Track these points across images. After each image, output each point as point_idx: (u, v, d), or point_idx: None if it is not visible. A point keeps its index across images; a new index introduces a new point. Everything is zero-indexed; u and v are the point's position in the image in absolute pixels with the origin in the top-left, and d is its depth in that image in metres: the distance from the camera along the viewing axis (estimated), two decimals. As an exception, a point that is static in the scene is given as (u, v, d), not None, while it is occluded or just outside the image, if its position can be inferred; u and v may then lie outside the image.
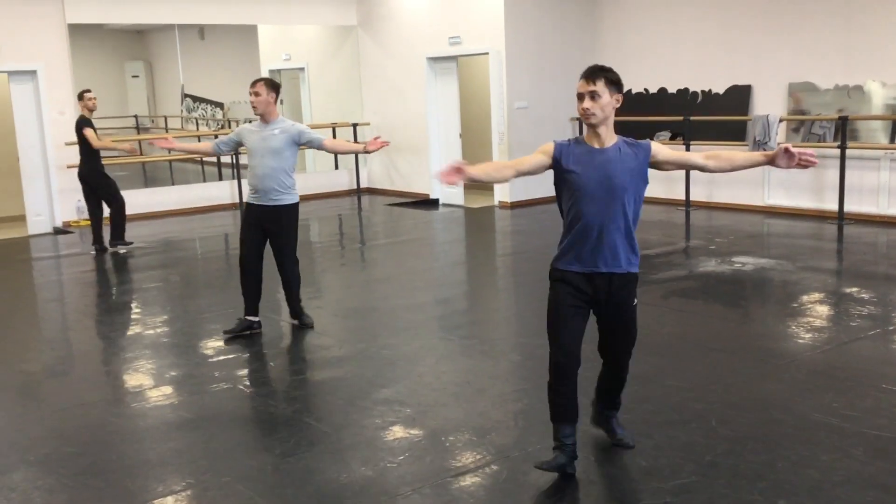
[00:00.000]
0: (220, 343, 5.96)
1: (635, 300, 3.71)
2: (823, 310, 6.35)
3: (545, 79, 11.58)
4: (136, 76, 17.55)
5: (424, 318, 6.48)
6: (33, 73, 10.83)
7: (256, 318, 6.07)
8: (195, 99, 16.36)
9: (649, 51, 11.41)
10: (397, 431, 4.24)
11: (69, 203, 11.11)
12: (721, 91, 10.67)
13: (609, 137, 3.51)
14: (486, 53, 11.41)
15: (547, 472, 3.60)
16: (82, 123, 9.05)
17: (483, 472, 3.76)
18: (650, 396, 4.58)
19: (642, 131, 11.35)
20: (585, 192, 3.48)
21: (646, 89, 11.49)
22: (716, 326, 6.02)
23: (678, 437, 4.00)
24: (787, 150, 3.36)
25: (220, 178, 13.33)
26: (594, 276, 3.58)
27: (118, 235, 9.15)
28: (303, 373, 5.28)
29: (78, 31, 11.31)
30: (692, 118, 10.62)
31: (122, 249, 9.18)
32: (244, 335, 5.97)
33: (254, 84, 5.75)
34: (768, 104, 10.19)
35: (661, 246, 8.74)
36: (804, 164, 3.37)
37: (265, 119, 5.82)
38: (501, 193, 11.71)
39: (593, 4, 11.98)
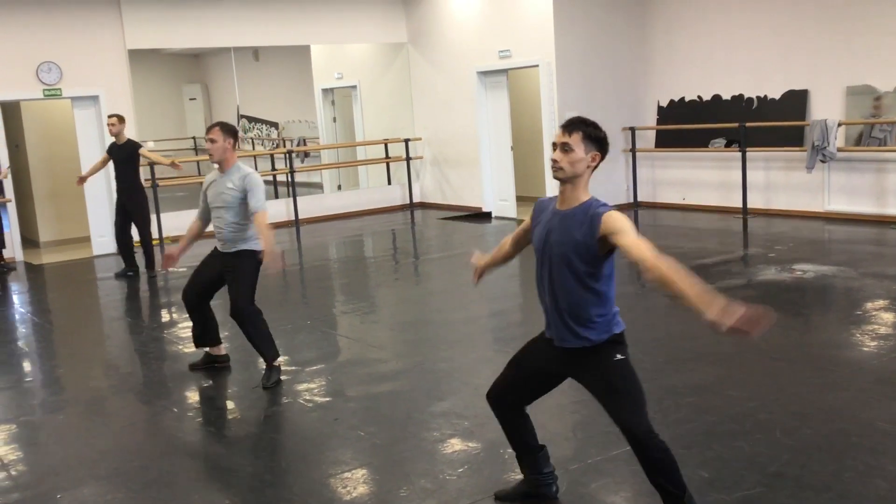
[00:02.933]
0: (280, 358, 6.05)
1: (616, 356, 3.14)
2: (888, 317, 6.19)
3: (596, 89, 11.55)
4: (194, 98, 17.96)
5: (480, 331, 6.50)
6: (95, 98, 11.16)
7: (221, 353, 5.83)
8: (251, 119, 16.67)
9: (702, 57, 11.30)
10: (455, 444, 4.26)
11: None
12: (777, 96, 10.51)
13: (573, 199, 3.10)
14: (537, 66, 11.42)
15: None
16: (138, 146, 9.24)
17: (542, 483, 3.74)
18: (712, 407, 4.52)
19: (697, 139, 11.26)
20: (536, 253, 3.22)
21: (699, 96, 11.38)
22: (777, 335, 5.91)
23: (741, 448, 3.94)
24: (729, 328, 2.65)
25: (277, 197, 13.54)
26: (556, 347, 3.23)
27: (153, 263, 9.34)
28: (361, 386, 5.33)
29: (137, 57, 11.64)
30: (748, 125, 10.47)
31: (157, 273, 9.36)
32: (212, 367, 5.80)
33: (209, 130, 5.35)
34: (826, 108, 9.99)
35: (719, 254, 8.62)
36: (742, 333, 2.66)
37: (222, 168, 5.41)
38: (554, 205, 11.68)
39: (643, 12, 11.91)
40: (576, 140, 3.07)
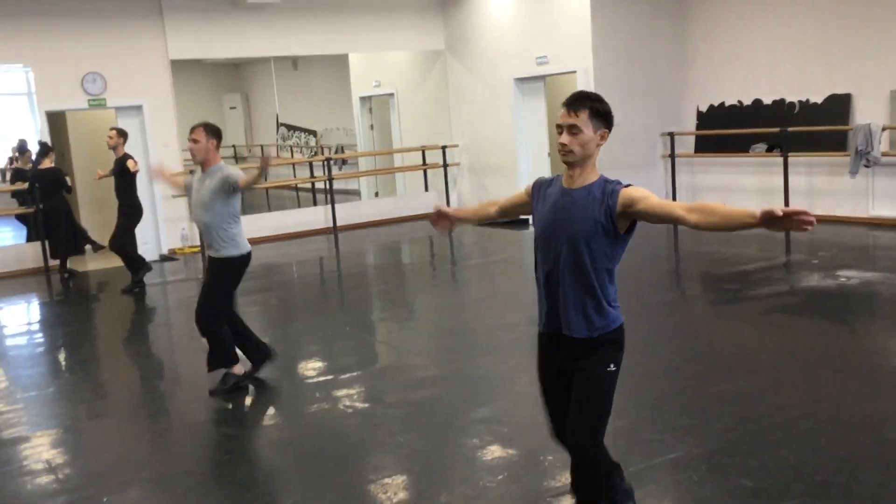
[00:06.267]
0: (319, 364, 6.11)
1: (610, 366, 3.04)
2: (937, 324, 6.07)
3: (634, 95, 11.48)
4: (234, 107, 18.20)
5: (518, 338, 6.48)
6: (139, 108, 11.35)
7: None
8: (290, 128, 16.86)
9: (742, 61, 11.18)
10: (495, 451, 4.26)
11: (174, 231, 11.58)
12: (819, 101, 10.36)
13: (584, 177, 2.98)
14: (574, 72, 11.39)
15: None
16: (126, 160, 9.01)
17: (583, 491, 3.72)
18: (754, 415, 4.46)
19: (738, 144, 11.14)
20: (541, 236, 3.06)
21: (739, 101, 11.25)
22: (821, 343, 5.82)
23: (786, 457, 3.89)
24: (781, 216, 2.57)
25: (315, 204, 13.66)
26: (557, 338, 3.08)
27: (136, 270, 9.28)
28: (400, 393, 5.34)
29: (179, 67, 11.82)
30: (790, 129, 10.34)
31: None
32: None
33: (192, 130, 5.33)
34: (870, 113, 9.83)
35: (760, 261, 8.51)
36: (799, 227, 2.56)
37: (204, 167, 5.36)
38: (592, 211, 11.62)
39: (682, 17, 11.82)
40: (583, 120, 2.90)
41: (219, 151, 5.38)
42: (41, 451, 4.69)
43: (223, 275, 5.41)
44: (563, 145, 2.93)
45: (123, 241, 9.23)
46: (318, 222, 12.68)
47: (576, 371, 3.05)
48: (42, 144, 10.45)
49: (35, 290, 9.94)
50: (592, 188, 2.95)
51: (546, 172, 12.09)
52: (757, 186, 11.17)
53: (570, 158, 2.94)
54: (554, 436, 3.29)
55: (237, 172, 5.31)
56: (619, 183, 2.97)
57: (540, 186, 3.14)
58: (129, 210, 9.23)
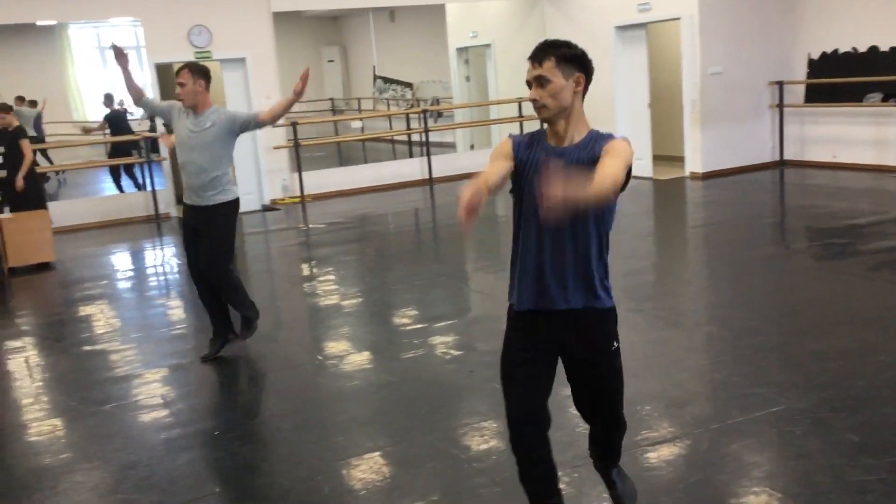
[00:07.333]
0: (415, 312, 6.21)
1: (615, 343, 2.84)
2: None
3: (741, 42, 11.05)
4: (332, 60, 18.38)
5: (613, 290, 6.42)
6: (242, 60, 11.61)
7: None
8: (386, 80, 16.93)
9: (857, 5, 10.59)
10: (591, 399, 4.26)
11: (276, 182, 11.88)
12: (942, 46, 9.77)
13: (573, 133, 2.67)
14: (678, 18, 11.03)
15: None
16: None
17: (682, 442, 3.71)
18: (861, 372, 4.33)
19: (851, 94, 10.64)
20: (531, 204, 2.65)
21: (854, 48, 10.70)
22: (935, 300, 5.57)
23: (892, 414, 3.77)
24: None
25: (411, 156, 13.75)
26: (550, 315, 2.75)
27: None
28: (495, 341, 5.34)
29: (279, 19, 11.99)
30: (907, 77, 9.80)
31: None
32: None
33: (178, 73, 4.98)
34: None
35: (871, 215, 8.16)
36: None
37: (196, 110, 5.05)
38: (693, 164, 11.32)
39: (794, -40, 11.27)
40: (549, 68, 2.62)
41: (208, 91, 5.07)
42: (154, 388, 4.95)
43: (228, 221, 5.17)
44: (535, 101, 2.65)
45: None
46: (413, 174, 12.77)
47: (584, 355, 2.82)
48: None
49: (145, 237, 10.39)
50: (584, 144, 2.66)
51: (646, 125, 11.79)
52: (871, 138, 10.66)
53: (544, 114, 2.65)
54: (515, 417, 2.85)
55: (246, 112, 5.12)
56: (611, 136, 2.69)
57: (519, 146, 2.73)
58: None
